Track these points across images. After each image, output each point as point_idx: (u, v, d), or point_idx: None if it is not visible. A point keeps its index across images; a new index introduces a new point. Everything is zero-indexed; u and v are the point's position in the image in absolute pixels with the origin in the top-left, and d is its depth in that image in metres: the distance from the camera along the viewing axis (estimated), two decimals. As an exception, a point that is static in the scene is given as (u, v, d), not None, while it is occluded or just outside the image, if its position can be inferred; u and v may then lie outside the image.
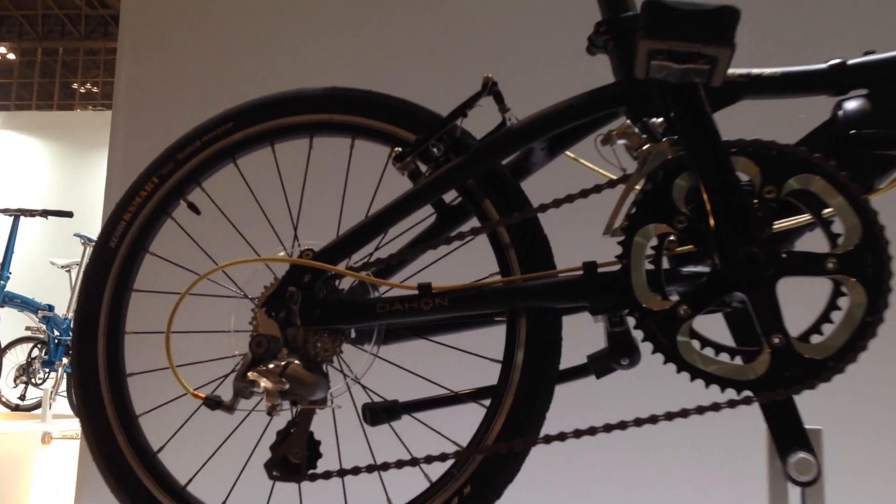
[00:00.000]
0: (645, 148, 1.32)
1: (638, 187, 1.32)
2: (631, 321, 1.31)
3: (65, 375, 6.96)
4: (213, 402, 1.33)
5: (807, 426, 1.28)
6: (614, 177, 1.41)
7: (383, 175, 1.50)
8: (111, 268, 1.53)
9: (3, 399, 7.15)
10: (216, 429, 1.48)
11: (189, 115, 1.66)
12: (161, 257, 1.56)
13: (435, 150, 1.41)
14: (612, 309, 1.32)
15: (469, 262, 1.58)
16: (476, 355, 1.43)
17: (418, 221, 1.51)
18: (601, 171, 1.49)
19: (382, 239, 1.44)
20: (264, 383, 1.27)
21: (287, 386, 1.27)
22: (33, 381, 7.15)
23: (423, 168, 1.45)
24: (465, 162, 1.39)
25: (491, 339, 1.49)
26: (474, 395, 1.46)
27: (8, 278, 6.57)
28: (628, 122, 1.34)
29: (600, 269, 1.33)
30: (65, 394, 6.84)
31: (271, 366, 1.30)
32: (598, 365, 1.40)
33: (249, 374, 1.30)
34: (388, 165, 1.48)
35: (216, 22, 2.85)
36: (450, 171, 1.39)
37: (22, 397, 7.20)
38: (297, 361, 1.30)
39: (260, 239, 1.55)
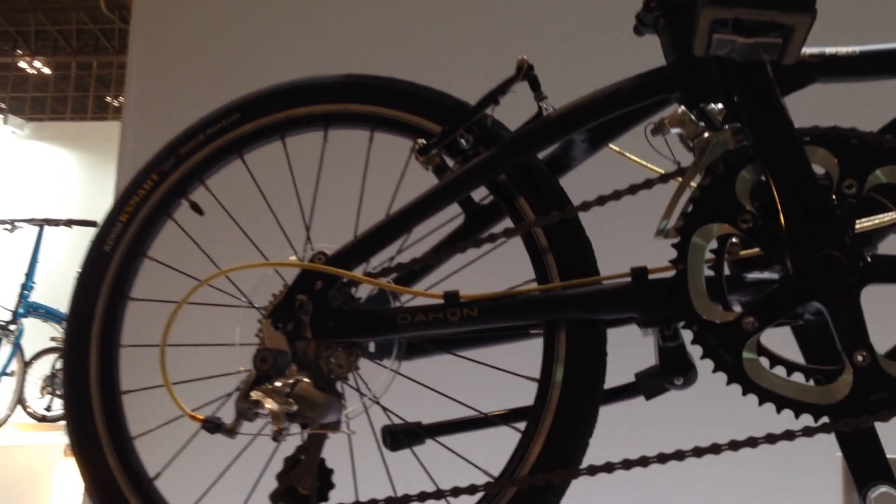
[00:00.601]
0: (703, 137, 1.15)
1: (694, 182, 1.16)
2: (687, 335, 1.15)
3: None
4: (212, 426, 1.18)
5: (889, 455, 1.11)
6: (665, 171, 1.25)
7: (405, 171, 1.34)
8: (105, 275, 1.39)
9: (30, 410, 7.06)
10: (219, 454, 1.32)
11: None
12: (161, 262, 1.41)
13: (463, 141, 1.26)
14: (665, 321, 1.16)
15: (500, 268, 1.41)
16: (509, 372, 1.27)
17: (444, 223, 1.36)
18: (649, 165, 1.33)
19: (404, 242, 1.28)
20: (269, 404, 1.12)
21: (295, 407, 1.12)
22: (58, 392, 7.07)
23: (450, 162, 1.30)
24: (496, 155, 1.23)
25: (525, 354, 1.33)
26: (506, 418, 1.29)
27: (32, 288, 6.49)
28: (682, 108, 1.17)
29: (651, 276, 1.17)
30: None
31: (278, 384, 1.14)
32: (648, 384, 1.24)
33: (253, 393, 1.15)
34: (410, 160, 1.33)
35: (225, 29, 2.71)
36: (480, 166, 1.23)
37: (48, 408, 7.11)
38: (306, 379, 1.15)
39: (269, 242, 1.40)
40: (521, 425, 1.26)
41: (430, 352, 1.31)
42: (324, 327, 1.20)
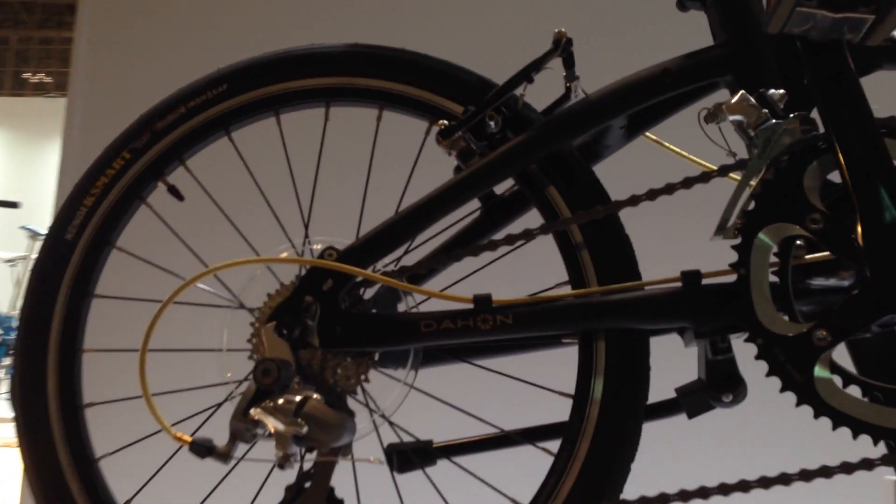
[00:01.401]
0: (767, 126, 1.02)
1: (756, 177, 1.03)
2: (733, 346, 1.04)
3: (7, 377, 6.50)
4: (202, 448, 1.01)
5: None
6: (712, 167, 1.13)
7: (420, 155, 1.19)
8: (67, 266, 1.20)
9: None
10: (202, 479, 1.15)
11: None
12: (132, 255, 1.23)
13: (492, 123, 1.11)
14: (721, 332, 1.03)
15: (518, 268, 1.28)
16: (539, 387, 1.13)
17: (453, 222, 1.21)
18: (690, 155, 1.21)
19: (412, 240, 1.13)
20: (275, 425, 0.96)
21: (305, 429, 0.95)
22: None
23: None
24: (532, 140, 1.09)
25: (546, 364, 1.19)
26: (531, 436, 1.15)
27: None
28: (744, 93, 1.04)
29: (705, 281, 1.04)
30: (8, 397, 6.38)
31: (281, 401, 0.98)
32: (692, 401, 1.11)
33: (253, 411, 0.98)
34: (424, 144, 1.18)
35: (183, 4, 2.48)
36: (514, 151, 1.09)
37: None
38: (316, 396, 0.99)
39: (257, 234, 1.23)
40: (546, 444, 1.13)
41: (443, 360, 1.16)
42: (333, 334, 1.04)
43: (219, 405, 1.12)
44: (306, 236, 1.16)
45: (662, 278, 1.06)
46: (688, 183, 1.04)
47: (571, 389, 1.10)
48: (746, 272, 0.99)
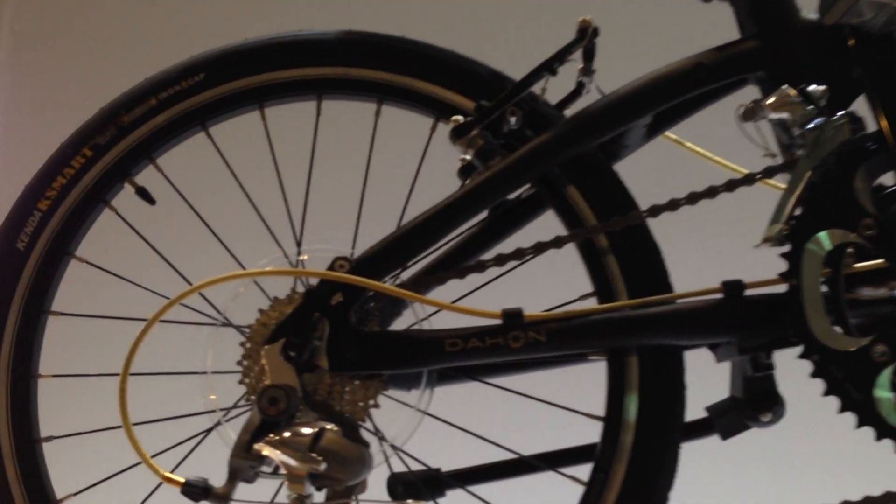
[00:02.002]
0: (816, 125, 0.95)
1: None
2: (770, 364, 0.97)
3: None
4: (197, 490, 0.87)
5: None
6: (739, 168, 1.06)
7: (425, 156, 1.08)
8: (19, 280, 1.04)
9: None
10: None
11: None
12: (96, 266, 1.08)
13: (513, 119, 1.00)
14: (768, 347, 0.96)
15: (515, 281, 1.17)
16: (561, 407, 1.03)
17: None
18: (713, 156, 1.13)
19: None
20: (287, 462, 0.83)
21: (324, 466, 0.83)
22: None
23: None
24: (559, 138, 0.99)
25: (557, 380, 1.10)
26: (552, 461, 1.05)
27: None
28: (788, 87, 0.96)
29: (748, 292, 0.96)
30: None
31: (292, 434, 0.85)
32: (727, 421, 1.04)
33: (258, 446, 0.85)
34: (430, 141, 1.07)
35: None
36: (541, 150, 0.98)
37: None
38: (330, 427, 0.86)
39: (240, 242, 1.09)
40: (569, 469, 1.03)
41: (453, 380, 1.05)
42: (345, 355, 0.92)
43: (206, 434, 0.98)
44: (299, 244, 1.04)
45: (702, 289, 0.97)
46: (731, 185, 0.96)
47: (588, 408, 1.01)
48: (798, 282, 0.92)
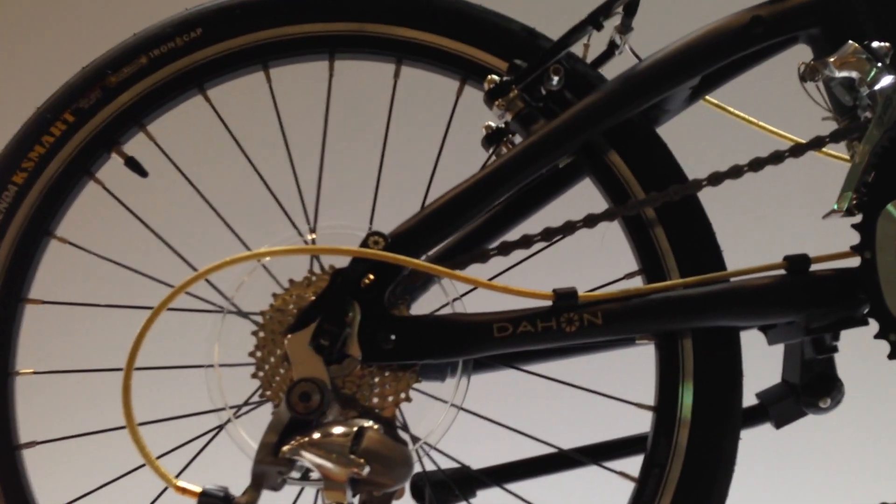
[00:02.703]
0: (888, 85, 0.87)
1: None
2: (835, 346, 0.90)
3: None
4: (215, 502, 0.76)
5: None
6: (788, 135, 0.98)
7: (452, 119, 0.97)
8: (-10, 263, 0.91)
9: None
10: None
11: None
12: (79, 247, 0.95)
13: (556, 79, 0.90)
14: (836, 327, 0.88)
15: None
16: (613, 398, 0.93)
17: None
18: (761, 123, 1.05)
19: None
20: (325, 466, 0.72)
21: (367, 470, 0.73)
22: None
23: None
24: (606, 101, 0.90)
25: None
26: (596, 454, 0.96)
27: None
28: (854, 45, 0.88)
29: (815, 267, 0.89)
30: None
31: (320, 435, 0.74)
32: (782, 408, 0.96)
33: (287, 449, 0.74)
34: (457, 104, 0.96)
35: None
36: (586, 114, 0.89)
37: None
38: (370, 424, 0.76)
39: (242, 217, 0.98)
40: (613, 464, 0.95)
41: (486, 368, 0.95)
42: (380, 344, 0.81)
43: (215, 434, 0.87)
44: (313, 222, 0.93)
45: (764, 265, 0.89)
46: (797, 151, 0.88)
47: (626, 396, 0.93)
48: (872, 255, 0.84)
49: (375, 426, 0.76)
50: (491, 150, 1.03)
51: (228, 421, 0.87)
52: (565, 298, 0.83)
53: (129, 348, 0.81)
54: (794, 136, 0.99)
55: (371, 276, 0.82)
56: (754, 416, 0.97)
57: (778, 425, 0.97)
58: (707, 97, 1.03)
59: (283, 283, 0.89)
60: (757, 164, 0.87)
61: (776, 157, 0.87)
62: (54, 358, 0.93)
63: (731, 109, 1.05)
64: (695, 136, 1.19)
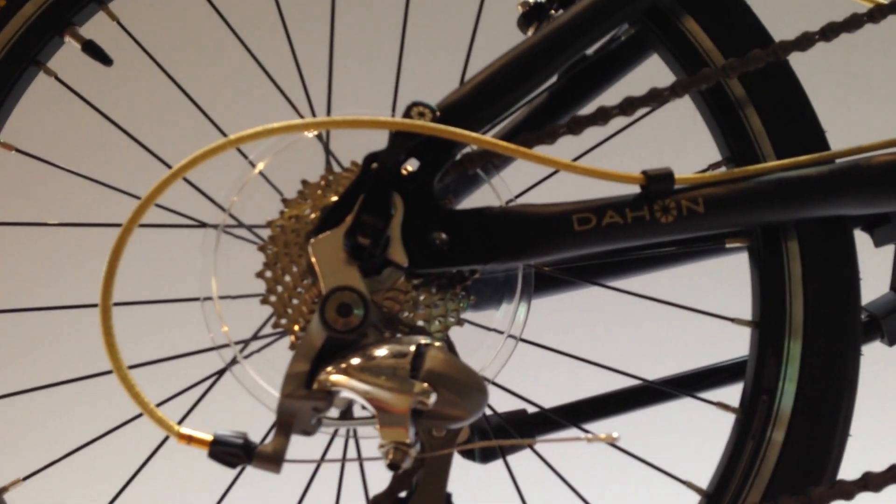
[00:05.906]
0: None
1: None
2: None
3: None
4: (232, 451, 0.57)
5: None
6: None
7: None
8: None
9: None
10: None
11: None
12: (28, 154, 0.76)
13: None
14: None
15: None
16: (713, 315, 0.76)
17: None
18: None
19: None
20: (380, 396, 0.54)
21: (434, 398, 0.55)
22: None
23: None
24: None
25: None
26: (687, 384, 0.80)
27: None
28: None
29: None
30: None
31: (363, 359, 0.56)
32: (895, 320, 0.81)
33: (324, 377, 0.56)
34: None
35: None
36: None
37: None
38: (429, 341, 0.58)
39: (228, 113, 0.78)
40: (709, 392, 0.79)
41: (557, 286, 0.78)
42: (432, 245, 0.63)
43: (220, 374, 0.68)
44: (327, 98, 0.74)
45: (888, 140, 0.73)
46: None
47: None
48: None
49: (435, 343, 0.58)
50: (530, 32, 0.85)
51: (234, 361, 0.68)
52: (659, 181, 0.66)
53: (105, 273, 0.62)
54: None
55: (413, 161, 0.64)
56: (865, 332, 0.81)
57: (892, 342, 0.81)
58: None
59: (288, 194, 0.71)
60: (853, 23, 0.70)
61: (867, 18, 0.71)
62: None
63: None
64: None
